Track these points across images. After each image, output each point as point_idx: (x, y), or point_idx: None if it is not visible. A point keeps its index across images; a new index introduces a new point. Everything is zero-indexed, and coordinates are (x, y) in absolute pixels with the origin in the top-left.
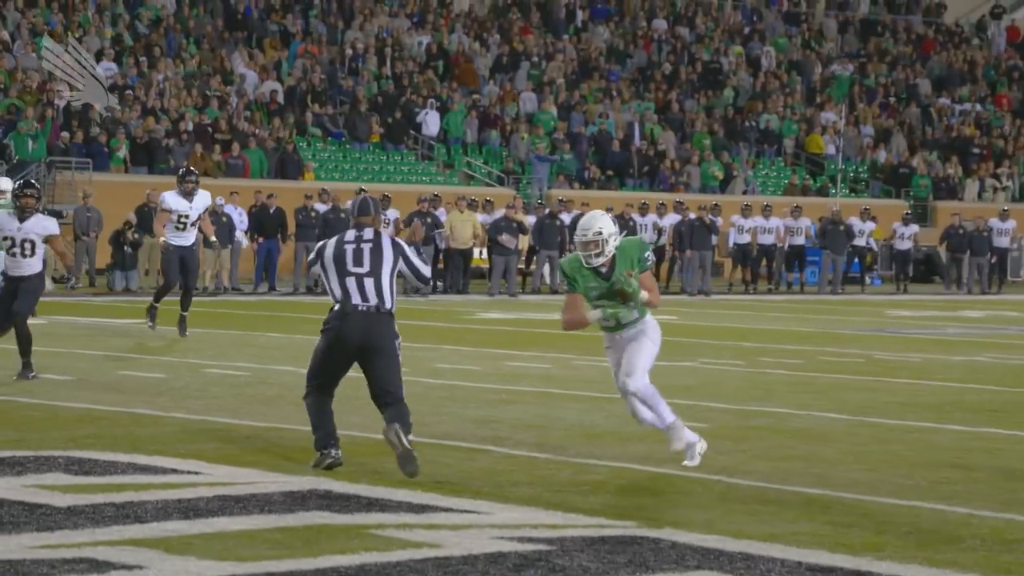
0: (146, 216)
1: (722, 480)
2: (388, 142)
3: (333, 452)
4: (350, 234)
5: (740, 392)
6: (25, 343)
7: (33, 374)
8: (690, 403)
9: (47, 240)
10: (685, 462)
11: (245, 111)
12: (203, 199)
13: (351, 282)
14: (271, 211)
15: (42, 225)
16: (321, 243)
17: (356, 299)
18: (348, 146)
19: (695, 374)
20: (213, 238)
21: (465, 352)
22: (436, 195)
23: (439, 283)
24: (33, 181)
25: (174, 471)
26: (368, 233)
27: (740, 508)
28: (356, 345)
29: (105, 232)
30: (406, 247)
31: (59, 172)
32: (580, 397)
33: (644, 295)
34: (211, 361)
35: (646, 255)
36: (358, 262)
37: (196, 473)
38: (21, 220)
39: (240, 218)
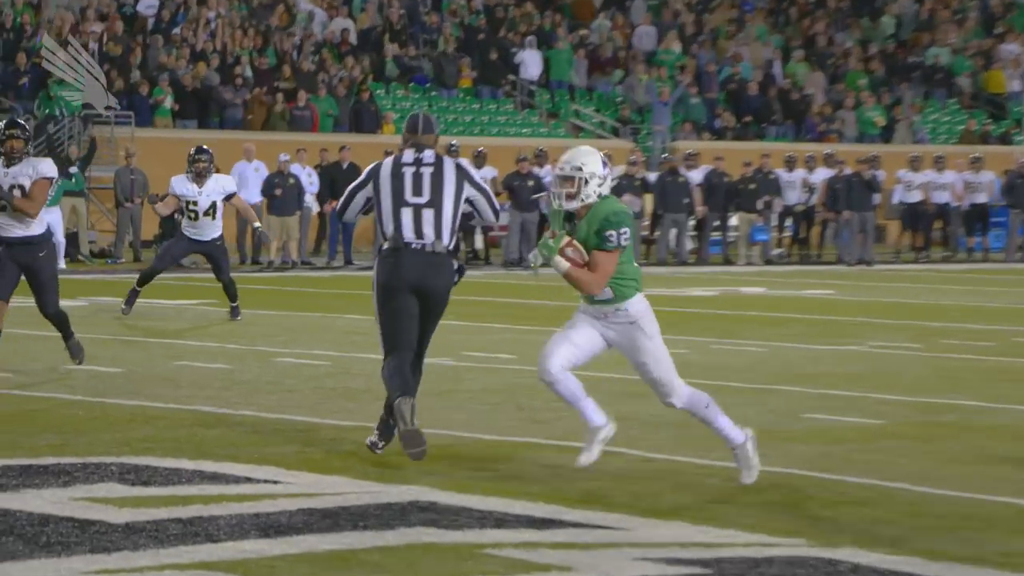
0: None
1: (908, 488)
2: (481, 87)
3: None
4: (408, 155)
5: (920, 382)
6: (63, 326)
7: (76, 339)
8: (860, 395)
9: (33, 184)
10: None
11: (312, 54)
12: (218, 184)
13: (406, 215)
14: (344, 168)
15: (34, 168)
16: (374, 164)
17: (409, 235)
18: (434, 93)
19: (864, 360)
20: (258, 224)
21: None
22: (541, 150)
23: None
24: (20, 120)
25: (248, 480)
26: (428, 155)
27: (934, 523)
28: (412, 283)
29: None
30: (470, 169)
31: (96, 128)
32: (727, 388)
33: (563, 264)
34: (283, 348)
35: (608, 234)
36: (417, 190)
37: (274, 482)
38: (8, 165)
39: (309, 179)
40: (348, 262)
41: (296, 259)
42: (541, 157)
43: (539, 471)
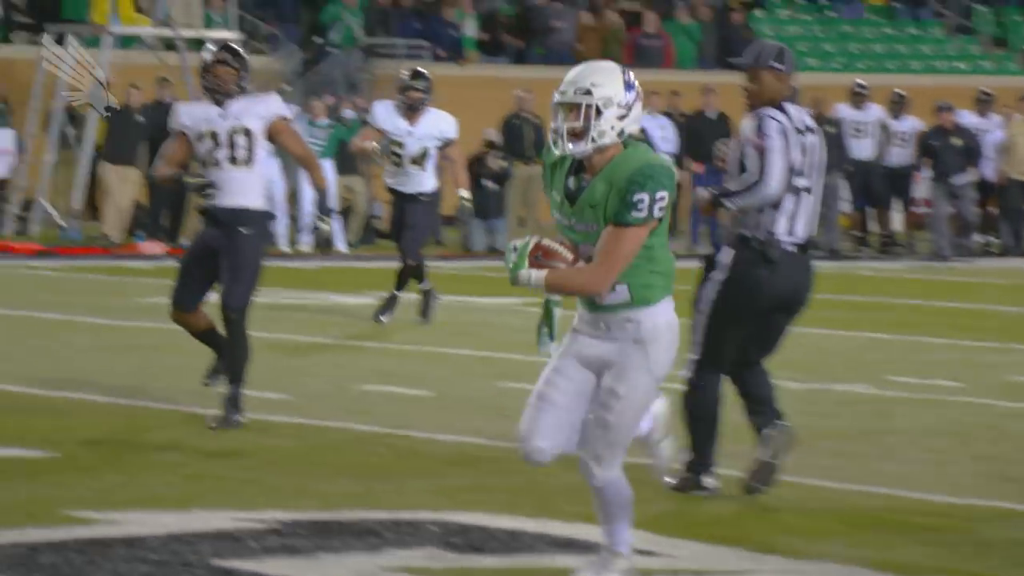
0: (516, 132)
1: None
2: (897, 6)
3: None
4: (793, 112)
5: None
6: (238, 358)
7: (241, 418)
8: None
9: (273, 131)
10: None
11: None
12: (435, 124)
13: (788, 202)
14: (711, 119)
15: (264, 105)
16: (769, 115)
17: (782, 230)
18: (831, 14)
19: None
20: (465, 193)
21: None
22: (984, 94)
23: (991, 239)
24: (235, 46)
25: None
26: (806, 117)
27: None
28: (782, 298)
29: None
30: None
31: (380, 64)
32: None
33: (535, 276)
34: None
35: (638, 198)
36: (807, 167)
37: (649, 553)
38: (221, 104)
39: (662, 132)
40: (718, 248)
41: None
42: (984, 104)
43: (1019, 550)
